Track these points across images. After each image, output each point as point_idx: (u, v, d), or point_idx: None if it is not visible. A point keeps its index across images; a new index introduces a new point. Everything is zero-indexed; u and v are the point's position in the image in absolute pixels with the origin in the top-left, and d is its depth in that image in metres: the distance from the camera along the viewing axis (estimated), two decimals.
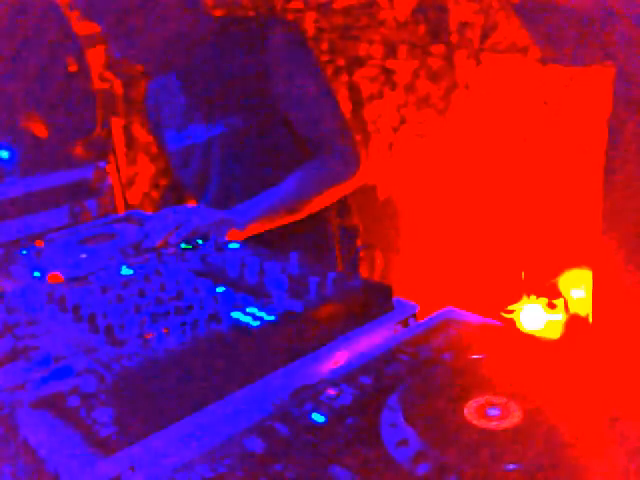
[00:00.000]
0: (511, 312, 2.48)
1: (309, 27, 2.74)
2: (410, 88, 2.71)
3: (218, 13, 2.92)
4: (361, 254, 1.68)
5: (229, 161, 1.56)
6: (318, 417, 0.66)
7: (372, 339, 0.87)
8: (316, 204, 1.50)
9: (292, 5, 2.75)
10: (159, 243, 1.22)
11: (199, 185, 1.65)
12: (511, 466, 0.56)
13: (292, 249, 1.05)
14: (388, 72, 2.71)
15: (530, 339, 0.82)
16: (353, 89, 2.74)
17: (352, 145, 1.53)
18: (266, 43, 1.46)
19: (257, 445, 0.63)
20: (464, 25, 2.55)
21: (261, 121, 1.49)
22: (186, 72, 1.59)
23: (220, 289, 0.97)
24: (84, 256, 1.22)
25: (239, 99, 1.50)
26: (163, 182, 3.02)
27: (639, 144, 1.73)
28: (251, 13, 2.69)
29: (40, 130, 2.20)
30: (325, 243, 1.62)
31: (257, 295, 0.94)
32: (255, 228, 1.40)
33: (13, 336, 0.89)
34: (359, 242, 1.71)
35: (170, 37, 1.46)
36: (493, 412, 0.63)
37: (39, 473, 0.68)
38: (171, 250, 1.22)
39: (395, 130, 2.77)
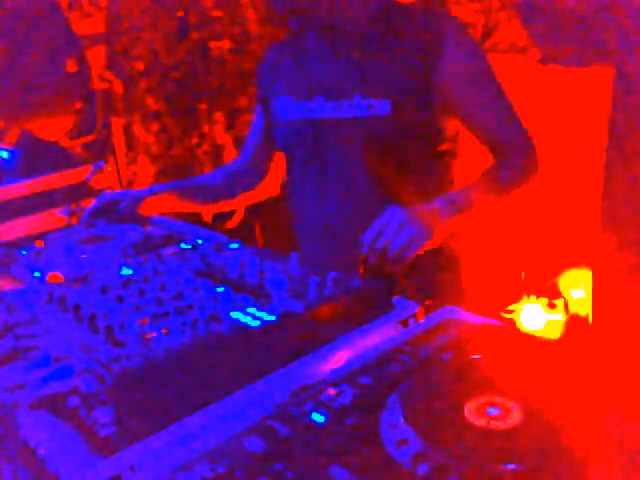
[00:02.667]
0: (511, 312, 2.48)
1: None
2: None
3: (217, 14, 2.93)
4: None
5: (356, 149, 1.39)
6: (318, 417, 0.66)
7: (372, 339, 0.87)
8: (510, 201, 1.40)
9: None
10: (369, 254, 1.10)
11: (306, 168, 1.48)
12: (511, 466, 0.56)
13: None
14: None
15: (530, 339, 0.82)
16: None
17: (531, 143, 1.43)
18: (443, 40, 1.32)
19: (257, 445, 0.63)
20: (464, 25, 2.55)
21: (407, 114, 1.33)
22: (335, 40, 1.42)
23: (220, 289, 0.97)
24: (84, 256, 1.22)
25: (392, 84, 1.34)
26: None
27: (639, 144, 1.74)
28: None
29: (40, 130, 2.21)
30: None
31: (257, 295, 0.94)
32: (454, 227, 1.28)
33: (13, 336, 0.89)
34: None
35: None
36: (493, 412, 0.63)
37: (39, 473, 0.68)
38: (171, 250, 1.22)
39: None
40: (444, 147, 1.44)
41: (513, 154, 1.40)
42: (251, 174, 1.70)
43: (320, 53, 1.45)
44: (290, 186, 1.58)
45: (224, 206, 1.74)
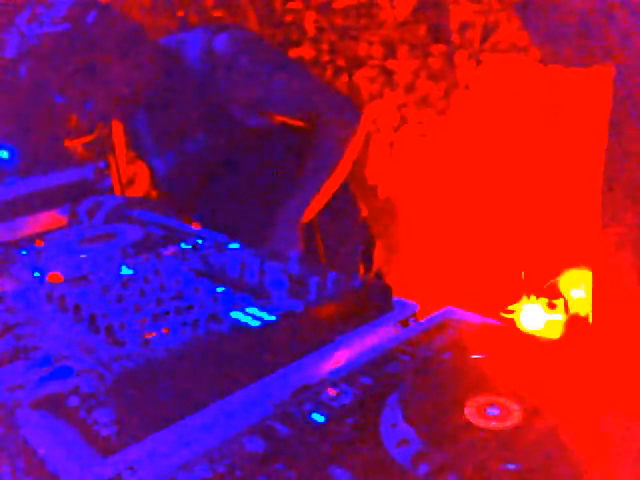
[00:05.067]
0: (511, 312, 2.48)
1: (309, 27, 2.74)
2: (410, 88, 2.71)
3: (217, 14, 2.92)
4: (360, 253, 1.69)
5: (206, 177, 1.60)
6: (318, 417, 0.66)
7: (372, 339, 0.87)
8: (343, 167, 1.51)
9: (292, 5, 2.75)
10: None
11: (186, 207, 1.67)
12: (511, 466, 0.56)
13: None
14: (388, 72, 2.71)
15: (530, 339, 0.82)
16: (353, 89, 2.74)
17: (336, 100, 1.54)
18: (211, 58, 1.48)
19: (257, 445, 0.63)
20: (464, 25, 2.55)
21: (224, 133, 1.53)
22: (148, 106, 1.63)
23: (220, 289, 0.97)
24: (84, 256, 1.22)
25: (196, 119, 1.54)
26: None
27: (639, 144, 1.73)
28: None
29: (40, 130, 2.20)
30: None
31: (257, 295, 0.94)
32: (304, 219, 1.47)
33: (13, 336, 0.89)
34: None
35: (121, 93, 1.51)
36: (493, 412, 0.63)
37: (39, 473, 0.68)
38: (171, 250, 1.22)
39: (395, 130, 2.77)
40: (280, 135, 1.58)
41: (321, 117, 1.51)
42: None
43: (148, 118, 1.68)
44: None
45: None
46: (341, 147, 1.50)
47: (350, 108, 1.53)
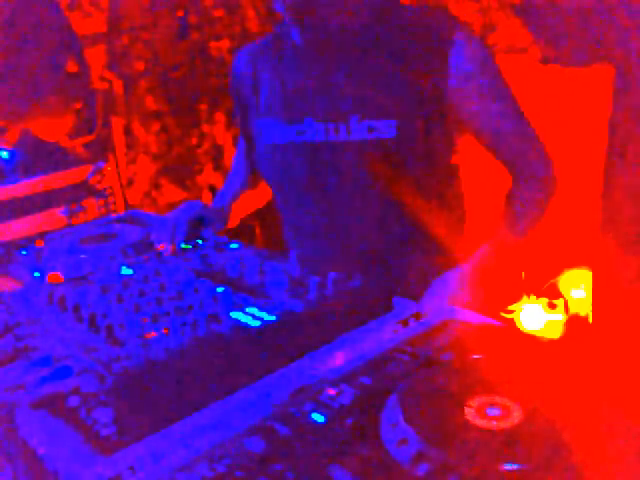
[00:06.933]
0: (511, 312, 2.48)
1: None
2: None
3: (218, 13, 2.93)
4: None
5: (361, 176, 1.24)
6: (318, 417, 0.66)
7: (372, 339, 0.87)
8: (535, 232, 1.39)
9: None
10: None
11: (301, 194, 1.33)
12: (511, 466, 0.56)
13: None
14: None
15: (530, 339, 0.82)
16: None
17: (547, 159, 1.34)
18: (452, 47, 1.18)
19: (257, 445, 0.63)
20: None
21: (416, 134, 1.20)
22: (325, 45, 1.24)
23: (220, 289, 0.97)
24: (84, 256, 1.22)
25: (398, 102, 1.19)
26: (163, 182, 3.03)
27: (639, 144, 1.74)
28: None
29: (40, 130, 2.20)
30: None
31: (257, 295, 0.94)
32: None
33: (13, 336, 0.89)
34: None
35: None
36: (493, 412, 0.63)
37: (39, 473, 0.68)
38: (170, 250, 1.22)
39: None
40: (454, 161, 1.38)
41: (530, 170, 1.32)
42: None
43: (305, 62, 1.27)
44: (284, 217, 1.46)
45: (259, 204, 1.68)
46: (541, 210, 1.35)
47: (553, 170, 1.33)
